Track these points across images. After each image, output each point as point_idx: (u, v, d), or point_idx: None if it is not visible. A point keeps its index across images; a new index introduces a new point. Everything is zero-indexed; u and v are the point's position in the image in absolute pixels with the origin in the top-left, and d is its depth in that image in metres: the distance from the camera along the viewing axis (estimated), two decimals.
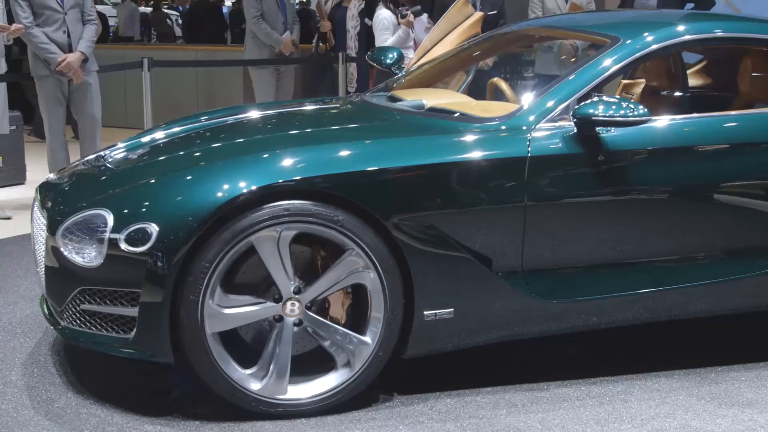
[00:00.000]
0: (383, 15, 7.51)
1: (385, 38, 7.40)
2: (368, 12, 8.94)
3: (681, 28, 4.18)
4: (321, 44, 9.44)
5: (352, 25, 8.92)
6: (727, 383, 3.81)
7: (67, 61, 6.67)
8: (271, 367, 3.42)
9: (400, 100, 4.35)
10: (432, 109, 4.10)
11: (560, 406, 3.60)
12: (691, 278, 3.87)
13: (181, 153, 3.87)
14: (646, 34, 4.02)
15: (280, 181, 3.36)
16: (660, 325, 4.03)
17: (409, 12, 7.39)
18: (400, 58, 5.19)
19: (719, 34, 4.27)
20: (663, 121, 3.88)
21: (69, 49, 6.77)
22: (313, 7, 13.90)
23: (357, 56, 8.87)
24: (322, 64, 9.43)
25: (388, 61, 5.16)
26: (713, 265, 3.92)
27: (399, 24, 7.40)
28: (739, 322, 4.46)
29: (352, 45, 8.94)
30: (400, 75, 4.97)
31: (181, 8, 19.13)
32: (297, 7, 11.35)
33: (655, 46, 3.99)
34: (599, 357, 4.15)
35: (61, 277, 3.49)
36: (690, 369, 3.93)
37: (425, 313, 3.52)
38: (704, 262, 3.91)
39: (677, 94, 5.11)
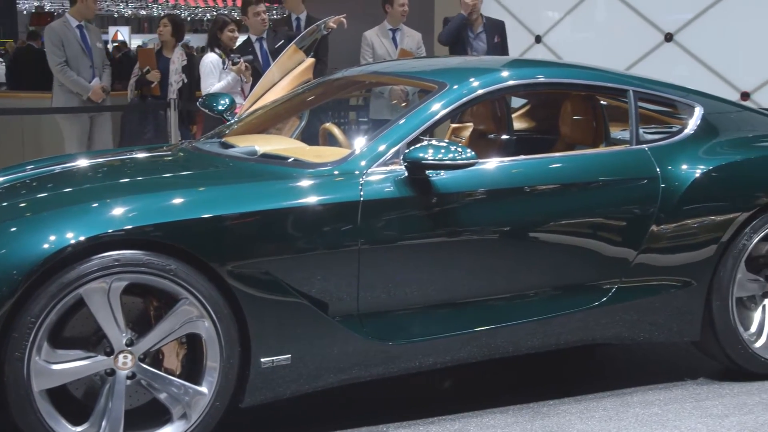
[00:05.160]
0: (209, 59, 7.39)
1: (210, 83, 7.29)
2: (191, 67, 8.78)
3: (505, 73, 4.32)
4: (136, 90, 9.16)
5: (175, 79, 8.78)
6: (558, 416, 3.92)
7: None
8: (104, 423, 3.31)
9: (232, 146, 4.33)
10: (265, 156, 4.09)
11: None
12: (522, 315, 3.97)
13: (5, 204, 3.72)
14: (472, 79, 4.14)
15: (110, 230, 3.28)
16: (493, 363, 4.11)
17: (241, 59, 7.33)
18: (232, 104, 5.17)
19: (541, 79, 4.44)
20: (491, 164, 3.99)
21: None
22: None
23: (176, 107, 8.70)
24: (143, 112, 9.19)
25: (220, 107, 5.14)
26: (543, 301, 4.04)
27: (228, 69, 7.33)
28: (567, 356, 4.60)
29: (175, 97, 8.77)
30: (232, 121, 4.95)
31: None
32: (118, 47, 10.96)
33: (480, 91, 4.12)
34: (435, 396, 4.20)
35: None
36: (523, 404, 4.03)
37: (262, 360, 3.49)
38: (534, 299, 4.03)
39: (504, 137, 5.27)
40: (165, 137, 8.62)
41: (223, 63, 7.33)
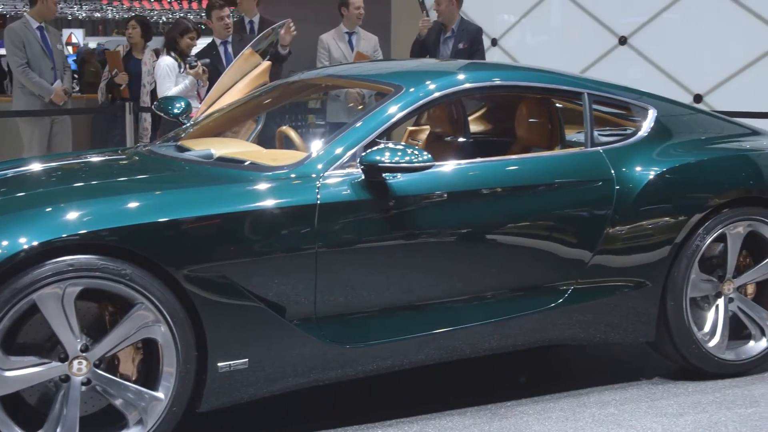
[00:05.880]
0: (165, 62, 7.36)
1: (167, 86, 7.26)
2: None
3: (461, 76, 4.35)
4: (108, 95, 9.15)
5: (148, 81, 8.76)
6: (515, 417, 3.94)
7: None
8: (59, 430, 3.27)
9: (188, 150, 4.30)
10: (221, 159, 4.07)
11: None
12: (479, 317, 3.98)
13: None
14: (428, 82, 4.16)
15: (64, 235, 3.24)
16: (451, 365, 4.12)
17: (198, 63, 7.29)
18: (188, 107, 5.14)
19: (497, 82, 4.47)
20: (448, 166, 4.01)
21: None
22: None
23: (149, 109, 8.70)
24: (113, 114, 9.16)
25: (176, 110, 5.10)
26: (500, 303, 4.05)
27: (185, 73, 7.29)
28: (525, 357, 4.63)
29: (147, 100, 8.76)
30: (188, 125, 4.92)
31: None
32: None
33: (437, 94, 4.13)
34: (394, 399, 4.20)
35: None
36: (481, 406, 4.04)
37: (219, 364, 3.47)
38: (492, 300, 4.04)
39: (460, 139, 5.29)
40: (135, 139, 8.61)
41: (180, 66, 7.29)
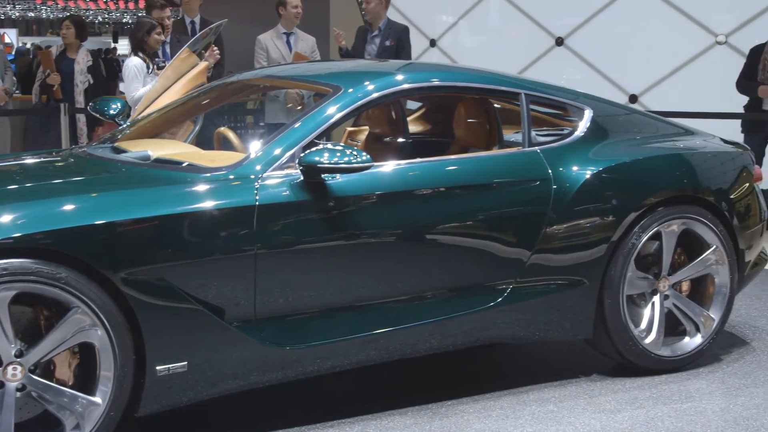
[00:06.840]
0: (133, 63, 7.25)
1: (135, 87, 7.16)
2: (96, 68, 8.83)
3: (400, 77, 4.35)
4: (42, 95, 9.05)
5: (81, 80, 8.68)
6: (456, 416, 3.96)
7: None
8: None
9: (125, 151, 4.25)
10: (158, 160, 4.03)
11: None
12: (419, 317, 4.00)
13: None
14: (366, 82, 4.16)
15: None
16: (392, 365, 4.12)
17: (167, 64, 7.20)
18: (124, 108, 5.08)
19: (436, 82, 4.48)
20: (387, 167, 4.01)
21: None
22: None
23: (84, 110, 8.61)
24: (46, 115, 9.03)
25: (112, 111, 5.04)
26: (440, 303, 4.07)
27: (153, 74, 7.19)
28: (465, 357, 4.65)
29: (81, 99, 8.67)
30: (124, 126, 4.86)
31: None
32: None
33: (375, 95, 4.14)
34: (335, 400, 4.19)
35: None
36: (422, 405, 4.05)
37: (158, 368, 3.44)
38: (431, 300, 4.06)
39: (400, 140, 5.30)
40: (71, 141, 8.50)
41: (148, 67, 7.19)
